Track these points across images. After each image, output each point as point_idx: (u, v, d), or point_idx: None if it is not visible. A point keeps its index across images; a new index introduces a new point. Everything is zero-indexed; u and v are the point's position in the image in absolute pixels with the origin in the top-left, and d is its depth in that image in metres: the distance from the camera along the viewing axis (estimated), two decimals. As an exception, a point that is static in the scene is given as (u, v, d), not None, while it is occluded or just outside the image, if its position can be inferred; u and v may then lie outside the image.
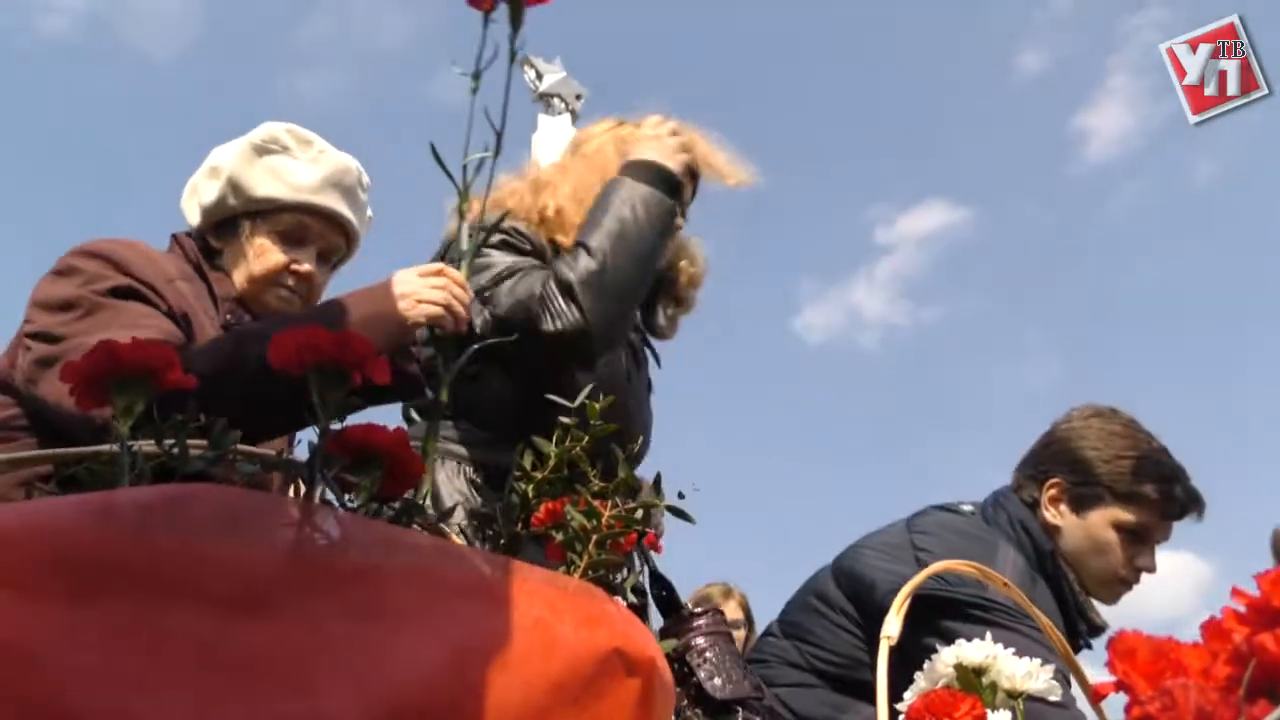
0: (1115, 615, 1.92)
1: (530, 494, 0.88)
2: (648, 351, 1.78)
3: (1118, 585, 1.89)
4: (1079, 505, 1.88)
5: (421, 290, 1.37)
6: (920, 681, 1.11)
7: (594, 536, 0.81)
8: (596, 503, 0.83)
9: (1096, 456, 1.88)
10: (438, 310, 1.35)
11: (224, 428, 0.70)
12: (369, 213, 1.71)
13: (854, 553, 1.89)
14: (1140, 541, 1.88)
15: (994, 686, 1.06)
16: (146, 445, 0.70)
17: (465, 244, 1.11)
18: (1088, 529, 1.87)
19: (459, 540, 0.84)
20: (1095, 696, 0.75)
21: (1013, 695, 1.06)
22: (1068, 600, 1.85)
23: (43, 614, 0.55)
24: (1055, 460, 1.93)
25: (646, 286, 1.56)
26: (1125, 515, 1.86)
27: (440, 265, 1.41)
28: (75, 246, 1.47)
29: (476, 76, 0.98)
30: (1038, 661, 1.08)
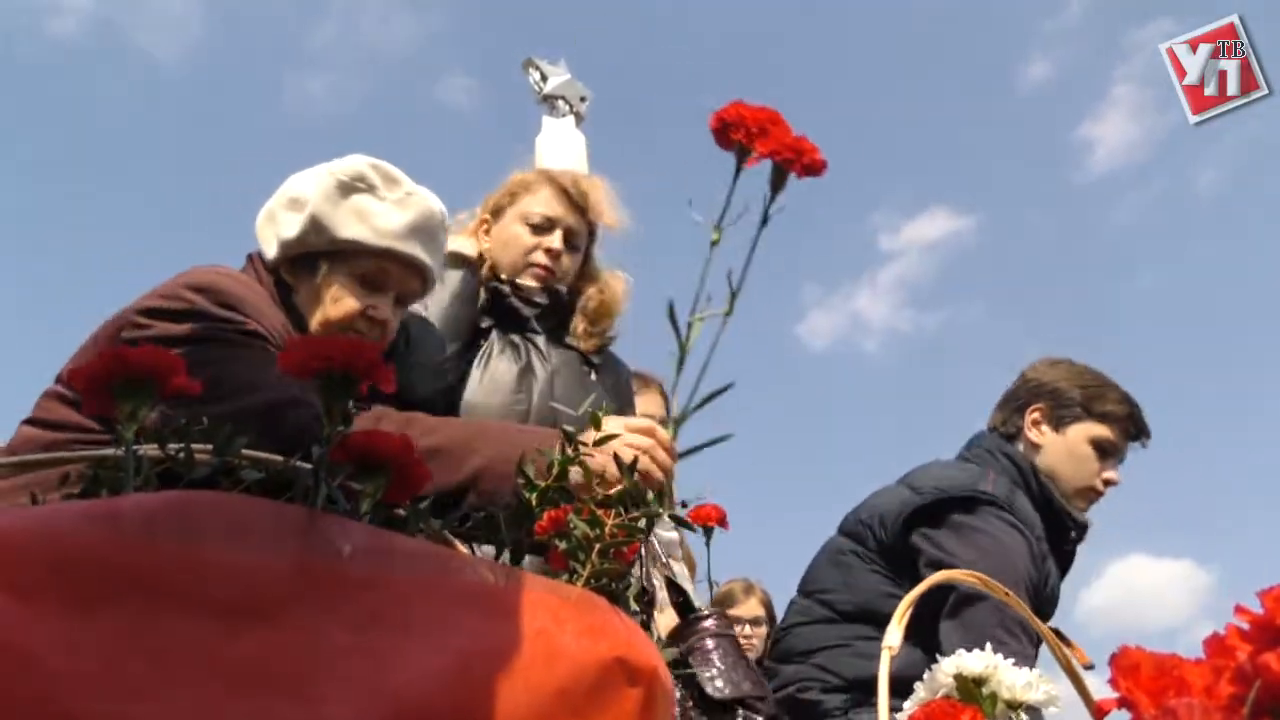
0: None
1: (533, 501, 0.88)
2: (589, 358, 2.05)
3: (1090, 494, 2.23)
4: (1059, 423, 2.24)
5: (619, 448, 1.19)
6: (920, 691, 1.11)
7: (597, 546, 0.81)
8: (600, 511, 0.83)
9: (1070, 385, 2.26)
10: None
11: (229, 434, 0.70)
12: (445, 250, 1.68)
13: (854, 510, 2.21)
14: (1107, 456, 2.23)
15: (994, 697, 1.06)
16: (152, 450, 0.69)
17: (675, 408, 1.09)
18: (1067, 443, 2.22)
19: (463, 549, 0.83)
20: (1098, 713, 0.75)
21: (1012, 706, 1.06)
22: (1054, 504, 2.17)
23: (44, 618, 0.55)
24: (1034, 393, 2.29)
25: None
26: (1098, 430, 2.22)
27: (650, 424, 1.29)
28: (189, 280, 1.38)
29: (719, 229, 0.93)
30: (1037, 672, 1.08)
